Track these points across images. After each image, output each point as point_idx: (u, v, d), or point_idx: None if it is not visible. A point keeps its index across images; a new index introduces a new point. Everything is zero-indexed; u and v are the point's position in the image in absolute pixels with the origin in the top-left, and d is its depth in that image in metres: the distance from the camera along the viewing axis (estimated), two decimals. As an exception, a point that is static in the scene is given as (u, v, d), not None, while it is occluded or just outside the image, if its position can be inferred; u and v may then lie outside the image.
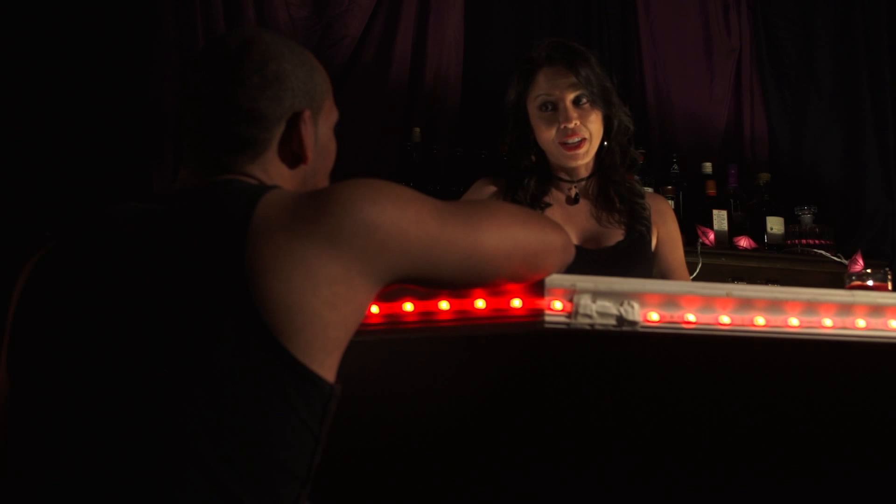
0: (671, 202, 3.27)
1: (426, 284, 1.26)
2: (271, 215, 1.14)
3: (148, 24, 3.02)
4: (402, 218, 1.17)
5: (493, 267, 1.26)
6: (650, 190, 3.11)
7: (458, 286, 1.29)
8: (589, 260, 2.10)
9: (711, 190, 3.46)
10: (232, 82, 1.24)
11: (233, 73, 1.25)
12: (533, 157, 2.20)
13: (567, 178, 2.21)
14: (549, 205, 2.19)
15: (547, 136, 2.13)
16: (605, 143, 2.18)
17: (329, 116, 1.38)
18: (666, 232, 2.24)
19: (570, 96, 2.11)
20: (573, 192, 2.21)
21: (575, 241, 2.14)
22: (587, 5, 3.62)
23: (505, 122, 2.21)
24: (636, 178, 2.63)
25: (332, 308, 1.12)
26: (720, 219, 3.39)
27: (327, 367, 1.14)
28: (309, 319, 1.11)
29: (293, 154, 1.29)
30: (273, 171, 1.28)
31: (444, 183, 3.18)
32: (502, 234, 1.26)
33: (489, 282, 1.29)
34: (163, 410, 1.08)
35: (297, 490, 1.13)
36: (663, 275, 2.20)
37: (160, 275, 1.14)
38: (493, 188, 2.22)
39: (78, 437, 1.10)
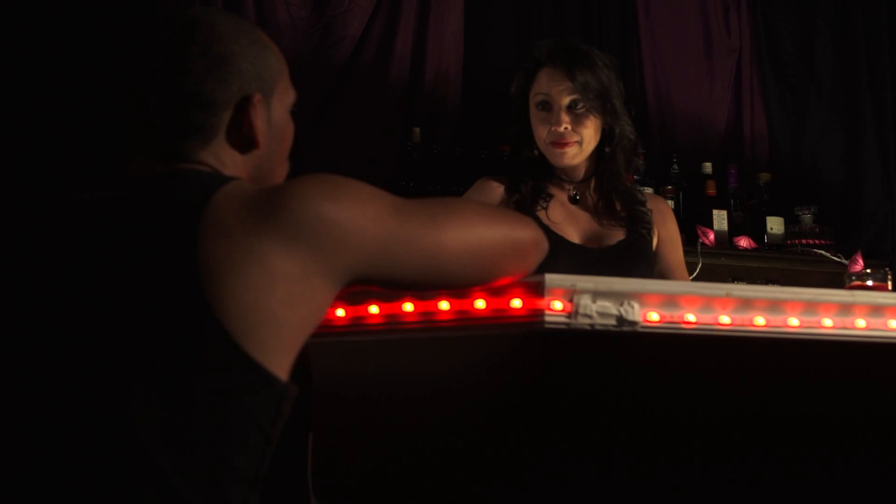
0: (671, 202, 3.28)
1: (388, 285, 1.23)
2: (227, 209, 1.11)
3: (148, 24, 3.02)
4: (361, 215, 1.15)
5: (458, 267, 1.23)
6: (650, 190, 3.12)
7: (422, 287, 1.26)
8: (591, 259, 2.10)
9: (711, 190, 3.46)
10: (176, 66, 1.20)
11: (177, 56, 1.20)
12: (536, 152, 2.20)
13: (566, 177, 2.21)
14: (551, 196, 2.19)
15: (540, 134, 2.15)
16: (607, 149, 2.18)
17: (284, 98, 1.32)
18: (666, 232, 2.24)
19: (565, 101, 2.11)
20: (572, 192, 2.21)
21: (576, 240, 2.15)
22: (587, 5, 3.62)
23: (507, 115, 2.22)
24: (634, 177, 2.64)
25: (289, 307, 1.10)
26: (720, 219, 3.40)
27: (282, 368, 1.11)
28: (264, 318, 1.08)
29: (244, 139, 1.25)
30: (226, 157, 1.24)
31: (444, 183, 3.18)
32: (467, 232, 1.23)
33: (454, 283, 1.26)
34: (110, 407, 1.05)
35: (245, 491, 1.10)
36: (663, 275, 2.21)
37: (110, 268, 1.10)
38: (494, 186, 2.22)
39: (23, 434, 1.08)
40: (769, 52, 3.81)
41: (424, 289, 1.27)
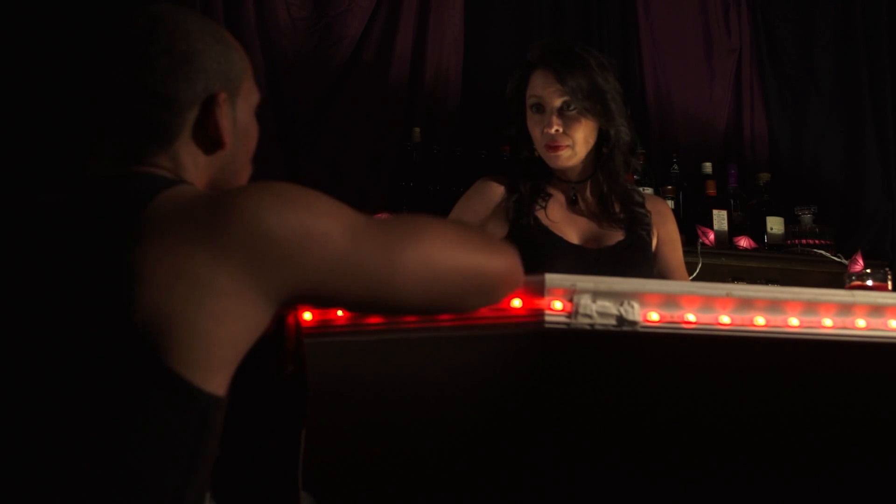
0: (671, 202, 3.28)
1: (334, 307, 1.17)
2: (162, 216, 1.05)
3: (109, 19, 3.00)
4: (307, 234, 1.07)
5: (412, 296, 1.15)
6: (650, 191, 3.12)
7: (374, 313, 1.20)
8: (590, 259, 2.10)
9: (711, 190, 3.46)
10: (139, 64, 1.15)
11: (140, 54, 1.15)
12: (535, 153, 2.20)
13: (564, 178, 2.22)
14: (550, 196, 2.19)
15: (535, 135, 2.15)
16: (604, 150, 2.18)
17: (249, 98, 1.27)
18: (666, 233, 2.24)
19: (557, 103, 2.11)
20: (571, 193, 2.21)
21: (575, 240, 2.15)
22: (587, 5, 3.62)
23: (507, 115, 2.23)
24: (634, 177, 2.64)
25: (219, 323, 1.03)
26: (720, 219, 3.40)
27: (215, 383, 1.05)
28: (190, 333, 1.02)
29: (209, 139, 1.19)
30: (187, 159, 1.18)
31: (444, 183, 3.18)
32: (427, 257, 1.15)
33: (409, 312, 1.19)
34: (20, 420, 1.01)
35: None
36: (663, 275, 2.21)
37: (41, 274, 1.06)
38: (494, 186, 2.22)
39: None
40: (769, 52, 3.81)
41: (378, 314, 1.20)
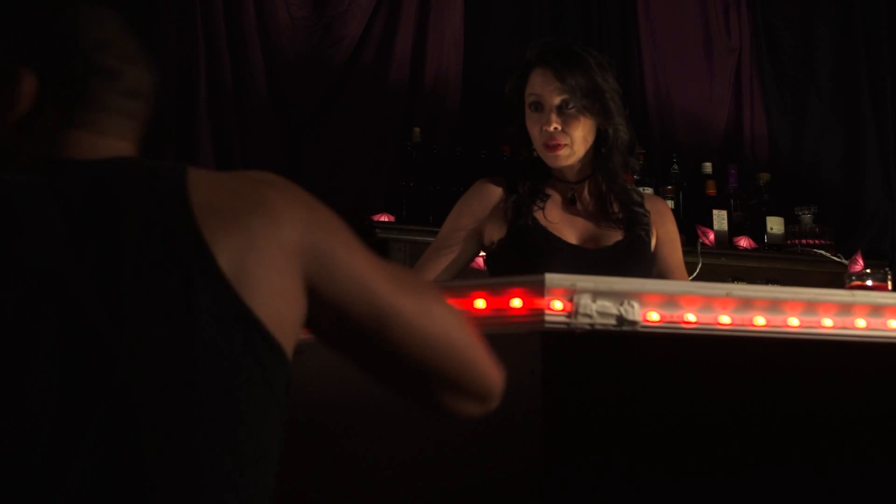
0: (671, 202, 3.28)
1: (330, 329, 1.11)
2: (210, 193, 1.03)
3: (147, 24, 3.01)
4: (335, 237, 1.08)
5: (403, 343, 1.10)
6: (650, 191, 3.12)
7: (360, 357, 1.15)
8: (589, 260, 2.10)
9: (711, 190, 3.47)
10: (136, 52, 1.15)
11: (137, 43, 1.15)
12: (535, 153, 2.20)
13: (563, 178, 2.21)
14: (549, 196, 2.19)
15: (534, 134, 2.15)
16: (603, 150, 2.17)
17: None
18: (665, 233, 2.24)
19: (556, 101, 2.10)
20: (569, 193, 2.21)
21: (574, 240, 2.15)
22: (587, 5, 3.63)
23: (507, 115, 2.23)
24: (634, 177, 2.64)
25: (287, 305, 1.03)
26: (720, 219, 3.40)
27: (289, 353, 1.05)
28: (270, 313, 1.01)
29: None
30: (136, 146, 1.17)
31: (444, 183, 3.18)
32: (429, 311, 1.11)
33: (391, 368, 1.14)
34: (147, 401, 0.96)
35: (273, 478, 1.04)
36: (662, 275, 2.20)
37: (111, 259, 0.98)
38: (492, 188, 2.22)
39: (16, 430, 0.94)
40: (769, 52, 3.81)
41: (359, 359, 1.16)
